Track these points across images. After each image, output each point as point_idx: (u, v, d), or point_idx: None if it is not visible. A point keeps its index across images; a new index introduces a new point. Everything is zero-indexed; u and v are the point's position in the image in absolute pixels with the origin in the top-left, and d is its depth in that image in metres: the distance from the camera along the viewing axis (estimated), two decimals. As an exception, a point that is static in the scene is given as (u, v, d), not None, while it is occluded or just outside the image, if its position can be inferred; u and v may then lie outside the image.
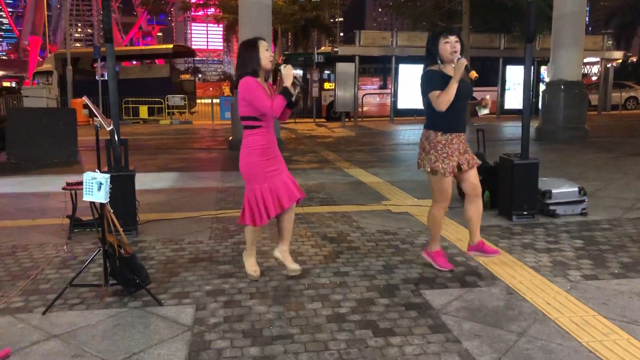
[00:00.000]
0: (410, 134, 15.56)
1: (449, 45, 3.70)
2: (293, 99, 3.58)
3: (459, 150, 3.87)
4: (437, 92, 3.71)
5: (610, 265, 4.15)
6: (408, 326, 3.14)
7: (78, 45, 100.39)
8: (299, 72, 3.96)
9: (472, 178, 3.97)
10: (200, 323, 3.21)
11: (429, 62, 3.84)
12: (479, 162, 4.00)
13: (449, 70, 3.76)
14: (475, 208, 4.04)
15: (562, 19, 12.87)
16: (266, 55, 3.65)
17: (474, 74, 3.64)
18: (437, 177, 3.87)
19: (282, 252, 3.97)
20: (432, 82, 3.76)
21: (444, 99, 3.68)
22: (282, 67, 3.59)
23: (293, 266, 3.95)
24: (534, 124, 12.32)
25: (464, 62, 3.63)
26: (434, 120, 3.86)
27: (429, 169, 3.87)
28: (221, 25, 46.92)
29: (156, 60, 38.98)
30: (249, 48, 3.67)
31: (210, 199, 6.73)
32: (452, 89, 3.65)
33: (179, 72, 35.41)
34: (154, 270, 4.09)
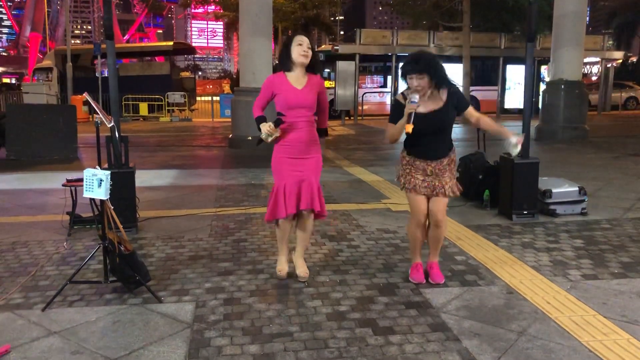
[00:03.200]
0: (410, 132, 15.46)
1: (411, 82, 3.46)
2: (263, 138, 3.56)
3: (425, 172, 3.63)
4: (389, 125, 3.61)
5: (610, 265, 4.15)
6: (408, 325, 3.14)
7: (78, 42, 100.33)
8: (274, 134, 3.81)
9: (435, 206, 3.66)
10: (200, 320, 3.21)
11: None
12: (451, 193, 3.66)
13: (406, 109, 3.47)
14: (433, 234, 3.78)
15: (563, 18, 12.87)
16: (297, 49, 3.59)
17: (408, 127, 3.35)
18: (405, 192, 3.75)
19: (293, 257, 3.94)
20: (391, 112, 3.68)
21: (388, 133, 3.63)
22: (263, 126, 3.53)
23: (298, 271, 3.86)
24: (534, 124, 12.32)
25: (410, 108, 3.35)
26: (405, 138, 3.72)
27: (396, 178, 3.83)
28: (221, 23, 46.84)
29: (156, 58, 38.93)
30: (284, 45, 3.69)
31: (210, 197, 6.73)
32: (396, 130, 3.52)
33: (179, 70, 35.36)
34: (153, 268, 4.09)
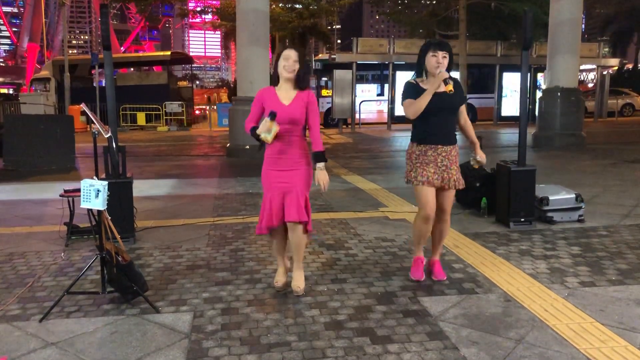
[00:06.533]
0: (407, 140, 15.46)
1: (435, 59, 3.70)
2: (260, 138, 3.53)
3: (436, 163, 3.78)
4: (409, 101, 3.76)
5: (607, 272, 4.16)
6: (406, 333, 3.14)
7: (75, 52, 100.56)
8: (272, 130, 3.77)
9: (444, 199, 3.85)
10: (197, 330, 3.20)
11: (416, 72, 3.86)
12: (460, 185, 3.84)
13: (429, 83, 3.73)
14: (439, 228, 3.96)
15: (559, 26, 12.94)
16: (282, 64, 3.60)
17: (448, 88, 3.66)
18: (414, 187, 3.87)
19: (292, 269, 3.90)
20: (407, 92, 3.81)
21: (412, 108, 3.73)
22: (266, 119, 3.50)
23: (292, 284, 3.79)
24: (530, 131, 12.36)
25: (444, 74, 3.65)
26: (412, 131, 3.93)
27: (405, 180, 3.95)
28: (219, 32, 47.01)
29: (154, 67, 39.05)
30: (275, 59, 3.72)
31: (208, 206, 6.73)
32: (423, 99, 3.66)
33: (177, 79, 35.43)
34: (151, 278, 4.09)
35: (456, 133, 3.91)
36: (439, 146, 3.79)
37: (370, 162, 11.16)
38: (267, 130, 3.45)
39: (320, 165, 3.63)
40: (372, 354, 2.89)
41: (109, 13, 5.16)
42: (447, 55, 3.71)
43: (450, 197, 3.88)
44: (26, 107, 21.81)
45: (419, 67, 3.82)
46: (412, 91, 3.76)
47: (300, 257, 3.80)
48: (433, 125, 3.77)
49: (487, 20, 22.78)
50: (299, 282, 3.77)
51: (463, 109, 3.90)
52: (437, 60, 3.69)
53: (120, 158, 5.06)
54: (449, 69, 3.76)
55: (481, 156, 3.91)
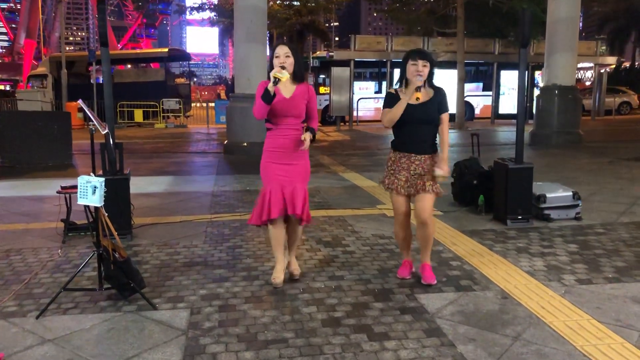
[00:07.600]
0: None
1: (414, 67, 3.70)
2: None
3: (409, 170, 3.81)
4: (385, 110, 3.81)
5: (604, 270, 4.17)
6: (403, 330, 3.14)
7: (72, 48, 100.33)
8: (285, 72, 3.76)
9: (419, 205, 3.79)
10: (194, 327, 3.20)
11: (398, 81, 3.88)
12: (437, 192, 3.78)
13: (408, 93, 3.73)
14: (419, 234, 3.92)
15: (556, 24, 12.95)
16: (275, 62, 3.64)
17: (415, 96, 3.66)
18: (389, 193, 3.95)
19: (288, 259, 4.04)
20: (385, 101, 3.86)
21: (387, 117, 3.79)
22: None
23: (291, 268, 4.00)
24: (528, 129, 12.37)
25: (416, 83, 3.66)
26: (393, 138, 3.97)
27: (380, 183, 4.03)
28: (216, 29, 46.92)
29: (151, 64, 38.94)
30: (270, 56, 3.75)
31: (205, 203, 6.72)
32: (397, 109, 3.70)
33: (174, 76, 35.32)
34: (148, 274, 4.08)
35: (436, 142, 3.89)
36: (412, 154, 3.81)
37: (368, 159, 11.16)
38: (278, 71, 3.50)
39: (309, 133, 3.73)
40: (369, 351, 2.90)
41: (106, 9, 5.15)
42: (428, 65, 3.71)
43: (426, 200, 3.77)
44: (23, 104, 21.72)
45: (401, 76, 3.84)
46: (390, 101, 3.80)
47: (295, 245, 4.03)
48: (407, 134, 3.81)
49: (485, 18, 22.74)
50: (296, 266, 4.00)
51: (444, 118, 3.81)
52: (417, 69, 3.70)
53: (117, 155, 5.05)
54: (430, 79, 3.78)
55: (442, 170, 3.73)
